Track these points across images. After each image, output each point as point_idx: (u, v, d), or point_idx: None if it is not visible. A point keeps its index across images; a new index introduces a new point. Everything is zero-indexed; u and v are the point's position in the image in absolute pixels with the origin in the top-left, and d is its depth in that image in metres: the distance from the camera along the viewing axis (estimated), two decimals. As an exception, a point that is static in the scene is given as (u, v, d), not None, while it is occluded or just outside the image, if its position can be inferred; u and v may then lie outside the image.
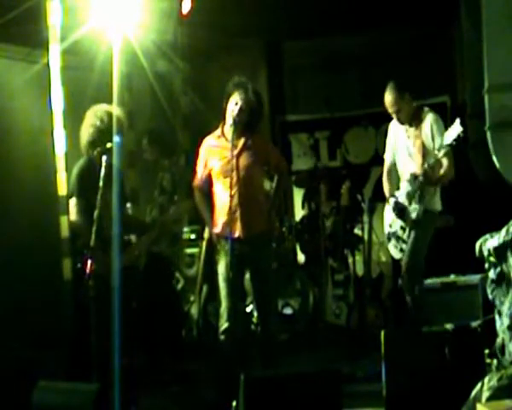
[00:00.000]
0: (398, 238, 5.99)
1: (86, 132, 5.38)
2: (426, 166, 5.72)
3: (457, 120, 5.45)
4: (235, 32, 8.28)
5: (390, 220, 6.08)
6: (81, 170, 5.35)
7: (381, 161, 8.89)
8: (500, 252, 4.73)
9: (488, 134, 6.29)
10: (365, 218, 7.51)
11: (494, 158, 6.28)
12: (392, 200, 6.02)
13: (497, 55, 6.28)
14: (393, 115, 5.96)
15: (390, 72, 8.54)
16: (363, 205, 7.58)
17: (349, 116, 8.90)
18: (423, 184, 5.77)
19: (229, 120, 5.30)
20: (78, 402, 4.12)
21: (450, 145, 5.52)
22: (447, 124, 6.56)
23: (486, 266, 4.86)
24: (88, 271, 4.95)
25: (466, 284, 6.28)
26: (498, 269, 4.75)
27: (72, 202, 5.31)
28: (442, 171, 5.78)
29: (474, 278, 6.22)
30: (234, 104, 5.28)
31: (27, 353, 5.62)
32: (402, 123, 5.94)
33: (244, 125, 5.31)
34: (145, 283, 6.66)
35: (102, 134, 5.32)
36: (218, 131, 5.41)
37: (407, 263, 5.87)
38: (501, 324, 4.68)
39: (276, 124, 9.35)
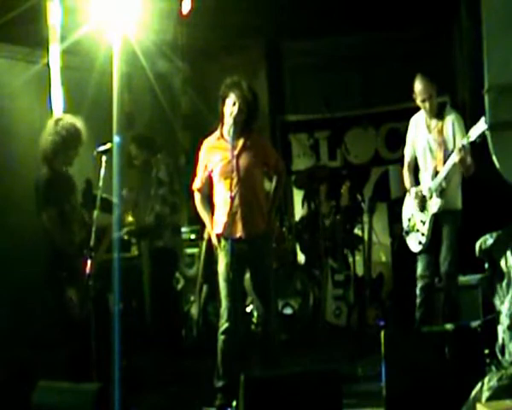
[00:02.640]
0: (417, 231, 5.96)
1: (48, 142, 5.38)
2: (461, 145, 5.67)
3: (482, 119, 5.45)
4: (235, 31, 8.28)
5: (409, 215, 6.07)
6: (47, 181, 5.34)
7: (381, 161, 8.98)
8: (500, 252, 4.74)
9: (488, 134, 6.28)
10: (365, 218, 7.51)
11: (494, 158, 6.28)
12: (413, 190, 6.01)
13: (497, 55, 6.27)
14: (424, 104, 5.90)
15: (390, 72, 8.58)
16: (363, 205, 7.58)
17: (349, 116, 8.90)
18: (447, 178, 5.76)
19: (228, 121, 5.29)
20: (78, 402, 4.12)
21: (474, 141, 5.53)
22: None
23: (486, 266, 4.86)
24: (88, 271, 4.98)
25: (466, 284, 6.28)
26: (498, 269, 4.75)
27: (46, 214, 5.28)
28: (469, 161, 5.75)
29: (474, 278, 6.22)
30: (231, 105, 5.27)
31: (27, 353, 5.63)
32: (429, 113, 5.91)
33: (243, 124, 5.31)
34: (150, 281, 6.70)
35: (64, 145, 5.34)
36: (217, 133, 5.40)
37: (447, 269, 5.84)
38: (501, 324, 4.68)
39: (276, 124, 9.35)
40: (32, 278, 5.69)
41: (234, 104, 5.26)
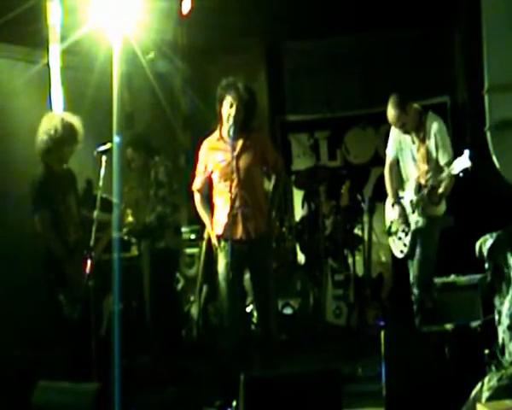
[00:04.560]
0: (400, 239, 5.99)
1: (40, 140, 5.37)
2: (425, 191, 5.71)
3: (466, 153, 5.40)
4: (235, 32, 8.28)
5: (392, 217, 6.08)
6: (40, 182, 5.34)
7: (381, 161, 8.93)
8: (500, 252, 4.73)
9: (488, 134, 6.28)
10: (365, 218, 7.51)
11: (494, 158, 6.28)
12: (396, 204, 6.01)
13: (497, 55, 6.28)
14: (400, 129, 5.91)
15: (390, 72, 8.58)
16: (363, 205, 7.58)
17: (349, 116, 8.90)
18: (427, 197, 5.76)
19: (226, 122, 5.29)
20: (78, 402, 4.12)
21: (458, 175, 5.50)
22: (448, 126, 6.55)
23: (486, 266, 4.86)
24: (88, 271, 4.98)
25: (466, 284, 6.27)
26: (498, 269, 4.75)
27: (38, 214, 5.29)
28: (443, 189, 5.73)
29: (474, 278, 6.22)
30: (229, 106, 5.27)
31: (27, 353, 5.63)
32: (408, 133, 5.90)
33: (241, 124, 5.31)
34: (149, 281, 6.70)
35: (56, 142, 5.33)
36: (217, 134, 5.41)
37: (418, 278, 5.87)
38: (501, 324, 4.68)
39: (276, 124, 9.35)
40: (32, 278, 5.69)
41: (231, 106, 5.26)
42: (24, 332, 5.76)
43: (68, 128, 5.36)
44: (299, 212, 8.92)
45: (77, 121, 5.43)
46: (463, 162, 5.40)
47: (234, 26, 8.10)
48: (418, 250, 5.88)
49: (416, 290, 5.93)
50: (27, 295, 5.80)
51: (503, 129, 6.26)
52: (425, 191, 5.75)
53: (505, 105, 6.26)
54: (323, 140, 9.16)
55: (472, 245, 4.94)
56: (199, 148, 5.50)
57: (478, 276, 6.07)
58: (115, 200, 5.58)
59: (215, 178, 5.36)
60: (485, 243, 4.85)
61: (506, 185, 6.25)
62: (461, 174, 5.45)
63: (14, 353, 5.60)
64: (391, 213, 6.11)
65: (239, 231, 5.27)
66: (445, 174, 5.61)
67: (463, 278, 6.29)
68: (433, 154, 5.79)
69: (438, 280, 6.35)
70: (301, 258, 8.31)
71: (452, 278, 6.38)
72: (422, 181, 5.80)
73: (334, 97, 8.41)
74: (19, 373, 5.36)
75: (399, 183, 6.12)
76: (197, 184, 5.49)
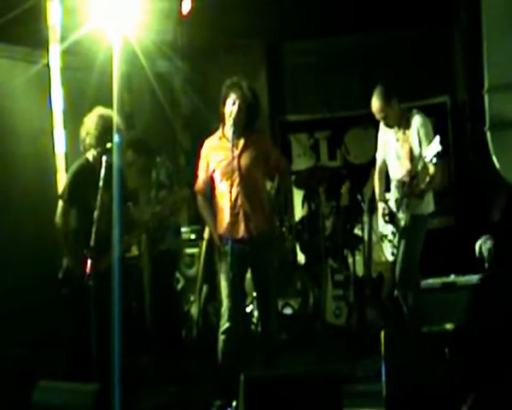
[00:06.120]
0: (390, 242, 6.00)
1: (81, 135, 5.38)
2: (406, 178, 5.70)
3: (437, 138, 5.41)
4: (235, 32, 8.28)
5: (383, 222, 6.10)
6: (73, 175, 5.35)
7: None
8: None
9: (488, 134, 6.29)
10: (365, 218, 7.51)
11: (494, 158, 6.29)
12: (381, 206, 6.03)
13: (497, 55, 6.29)
14: (382, 121, 5.93)
15: (390, 72, 8.58)
16: (363, 205, 7.58)
17: (349, 116, 8.90)
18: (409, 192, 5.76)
19: (228, 121, 5.29)
20: (78, 402, 4.12)
21: (431, 161, 5.49)
22: (448, 125, 6.57)
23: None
24: (88, 271, 4.97)
25: (466, 284, 6.28)
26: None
27: (60, 204, 5.31)
28: (427, 180, 5.71)
29: (474, 278, 6.22)
30: (231, 104, 5.28)
31: (27, 353, 5.63)
32: (390, 127, 5.92)
33: (243, 124, 5.31)
34: (149, 281, 6.71)
35: (94, 139, 5.32)
36: (219, 133, 5.41)
37: (400, 274, 5.88)
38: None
39: (276, 124, 9.35)
40: (32, 278, 5.69)
41: (234, 104, 5.27)
42: (24, 332, 5.76)
43: (105, 126, 5.33)
44: (299, 212, 8.92)
45: (118, 118, 5.39)
46: (434, 147, 5.39)
47: (234, 26, 8.11)
48: (401, 247, 5.87)
49: (398, 289, 5.93)
50: (27, 296, 5.80)
51: (502, 129, 6.27)
52: (406, 186, 5.75)
53: (505, 105, 6.27)
54: (323, 140, 9.16)
55: (472, 245, 4.95)
56: (199, 148, 5.50)
57: (478, 276, 6.08)
58: (116, 200, 5.57)
59: (216, 177, 5.36)
60: (486, 243, 4.86)
61: (506, 185, 6.26)
62: (434, 160, 5.42)
63: (14, 353, 5.60)
64: (382, 218, 6.12)
65: (241, 231, 5.27)
66: (420, 165, 5.60)
67: (463, 278, 6.30)
68: (417, 151, 5.77)
69: (438, 280, 6.36)
70: (301, 258, 8.31)
71: (452, 278, 6.38)
72: (406, 179, 5.80)
73: (334, 97, 8.42)
74: (19, 373, 5.36)
75: (386, 185, 6.13)
76: (199, 185, 5.48)
